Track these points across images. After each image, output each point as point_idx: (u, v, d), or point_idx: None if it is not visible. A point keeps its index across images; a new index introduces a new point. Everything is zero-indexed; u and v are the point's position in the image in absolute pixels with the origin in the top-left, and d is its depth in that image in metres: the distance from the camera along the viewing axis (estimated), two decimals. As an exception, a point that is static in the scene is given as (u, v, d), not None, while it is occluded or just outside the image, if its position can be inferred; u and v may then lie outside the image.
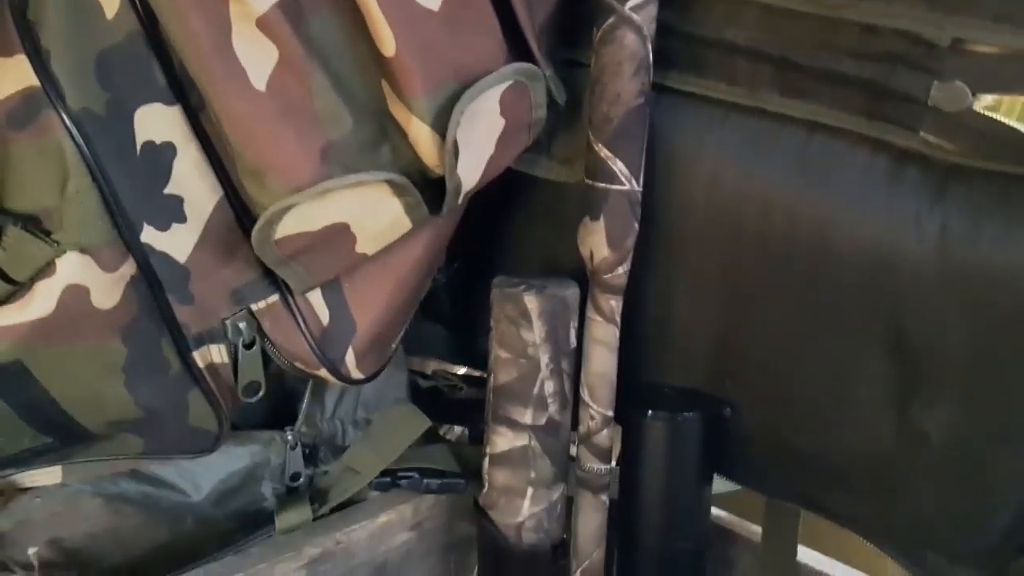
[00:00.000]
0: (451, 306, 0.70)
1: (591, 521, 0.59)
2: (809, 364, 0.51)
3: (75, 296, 0.42)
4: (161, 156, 0.43)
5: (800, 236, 0.49)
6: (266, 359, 0.52)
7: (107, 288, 0.43)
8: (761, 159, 0.48)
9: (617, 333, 0.55)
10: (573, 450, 0.59)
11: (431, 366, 0.74)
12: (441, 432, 0.71)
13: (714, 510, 0.67)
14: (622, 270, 0.55)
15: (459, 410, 0.66)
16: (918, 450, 0.49)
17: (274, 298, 0.48)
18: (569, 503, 0.60)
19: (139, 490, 0.56)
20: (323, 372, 0.51)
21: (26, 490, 0.54)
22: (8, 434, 0.45)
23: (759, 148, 0.48)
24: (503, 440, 0.57)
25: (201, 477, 0.57)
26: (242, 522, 0.58)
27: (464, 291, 0.67)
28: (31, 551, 0.52)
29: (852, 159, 0.46)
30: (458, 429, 0.72)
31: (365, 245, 0.47)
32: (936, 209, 0.44)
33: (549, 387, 0.57)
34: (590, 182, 0.51)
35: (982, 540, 0.50)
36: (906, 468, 0.50)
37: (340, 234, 0.45)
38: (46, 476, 0.53)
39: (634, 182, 0.51)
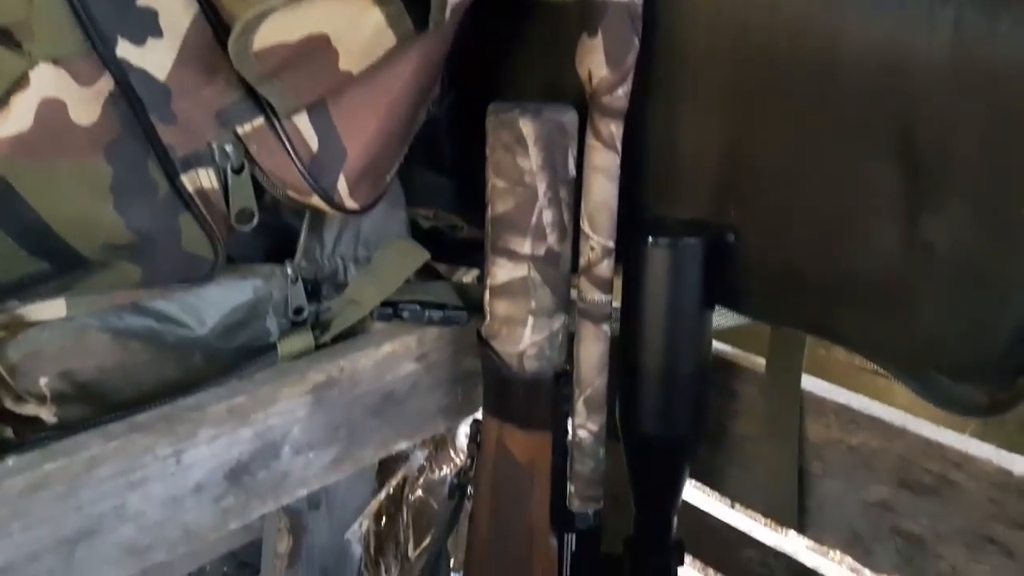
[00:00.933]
0: (453, 151, 0.69)
1: (593, 350, 0.59)
2: (816, 178, 0.50)
3: (52, 110, 0.41)
4: (131, -34, 0.41)
5: (808, 42, 0.47)
6: (259, 189, 0.51)
7: (85, 103, 0.42)
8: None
9: (618, 160, 0.54)
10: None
11: (434, 212, 0.73)
12: (452, 278, 0.71)
13: (718, 344, 0.67)
14: (622, 92, 0.53)
15: (461, 250, 0.66)
16: (926, 262, 0.48)
17: (259, 121, 0.47)
18: (572, 335, 0.60)
19: (144, 324, 0.57)
20: (316, 200, 0.51)
21: (33, 324, 0.54)
22: (4, 259, 0.45)
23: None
24: (502, 271, 0.57)
25: (204, 312, 0.57)
26: (248, 358, 0.59)
27: (464, 130, 0.66)
28: (42, 381, 0.54)
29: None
30: (470, 274, 0.72)
31: (349, 61, 0.45)
32: (950, 3, 0.42)
33: (547, 216, 0.56)
34: (587, -6, 0.49)
35: (988, 356, 0.50)
36: (913, 282, 0.49)
37: (321, 48, 0.44)
38: (50, 309, 0.54)
39: (633, -9, 0.48)
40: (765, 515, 0.68)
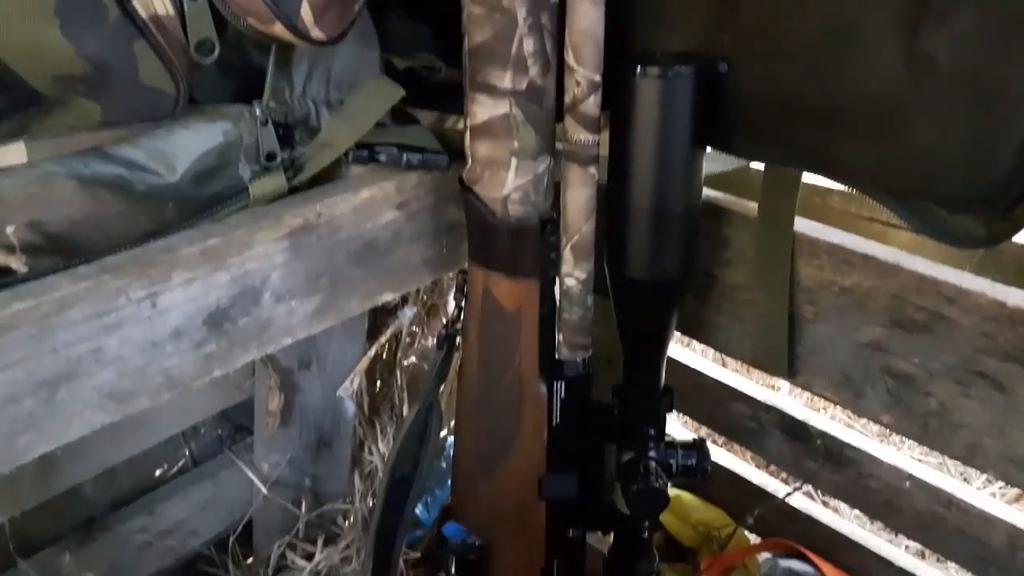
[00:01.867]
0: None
1: (579, 195, 0.57)
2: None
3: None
4: None
5: None
6: (220, 22, 0.48)
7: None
8: None
9: (603, -19, 0.51)
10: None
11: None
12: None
13: (709, 191, 0.65)
14: (607, -98, 0.49)
15: (439, 93, 0.63)
16: (926, 79, 0.45)
17: (212, -64, 0.43)
18: (559, 184, 0.58)
19: (113, 172, 0.54)
20: (279, 28, 0.48)
21: (-6, 171, 0.52)
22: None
23: None
24: (483, 109, 0.54)
25: (174, 158, 0.55)
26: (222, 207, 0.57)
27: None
28: (9, 230, 0.52)
29: None
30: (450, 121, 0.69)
31: None
32: None
33: (528, 46, 0.52)
34: None
35: (988, 183, 0.48)
36: (912, 103, 0.46)
37: None
38: (10, 154, 0.51)
39: None
40: (754, 364, 0.68)
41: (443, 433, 1.13)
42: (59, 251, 0.55)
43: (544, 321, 0.62)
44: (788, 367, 0.65)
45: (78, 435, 0.49)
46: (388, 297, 0.63)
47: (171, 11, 0.45)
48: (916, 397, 0.59)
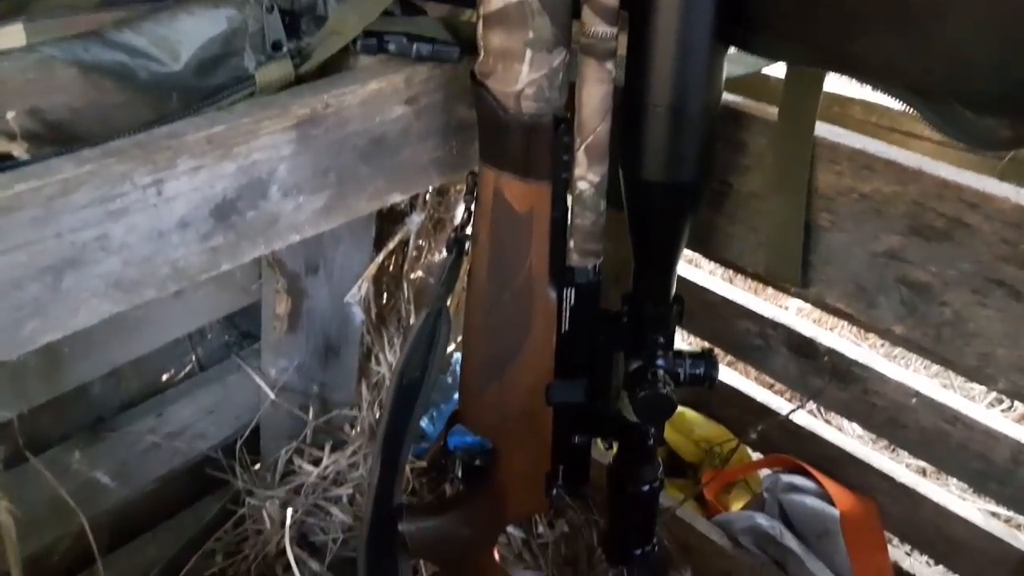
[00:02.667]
0: None
1: (595, 92, 0.55)
2: None
3: None
4: None
5: None
6: None
7: None
8: None
9: None
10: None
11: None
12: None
13: (729, 95, 0.63)
14: None
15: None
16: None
17: None
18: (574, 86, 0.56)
19: (114, 58, 0.53)
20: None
21: (-8, 54, 0.50)
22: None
23: None
24: (497, -6, 0.52)
25: (177, 45, 0.53)
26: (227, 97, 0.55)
27: None
28: (9, 115, 0.50)
29: None
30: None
31: None
32: None
33: (546, -73, 0.50)
34: None
35: (1018, 80, 0.46)
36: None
37: None
38: (8, 36, 0.50)
39: None
40: (767, 274, 0.67)
41: (450, 349, 1.13)
42: (60, 140, 0.54)
43: (556, 225, 0.61)
44: (801, 277, 0.64)
45: (85, 324, 0.49)
46: (397, 198, 0.62)
47: None
48: (931, 307, 0.59)
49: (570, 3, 0.54)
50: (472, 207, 0.63)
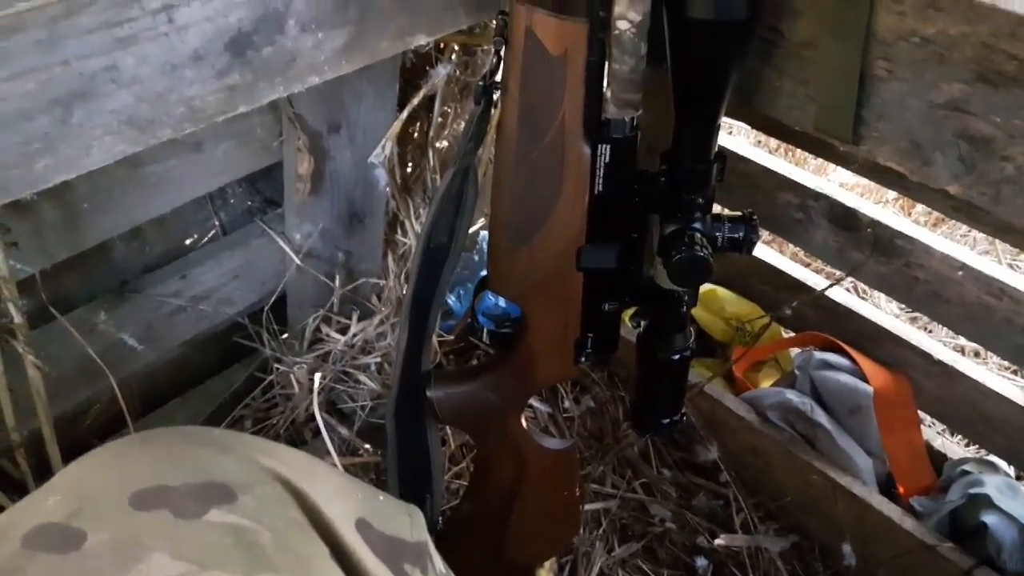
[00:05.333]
0: None
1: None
2: None
3: None
4: None
5: None
6: None
7: None
8: None
9: None
10: None
11: None
12: None
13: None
14: None
15: None
16: None
17: None
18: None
19: None
20: None
21: None
22: None
23: None
24: None
25: None
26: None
27: None
28: None
29: None
30: None
31: None
32: None
33: None
34: None
35: None
36: None
37: None
38: None
39: None
40: (816, 129, 0.63)
41: (477, 226, 1.11)
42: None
43: (592, 71, 0.57)
44: (853, 133, 0.60)
45: (99, 163, 0.47)
46: (421, 40, 0.58)
47: None
48: (991, 162, 0.55)
49: None
50: (502, 51, 0.59)
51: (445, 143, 0.99)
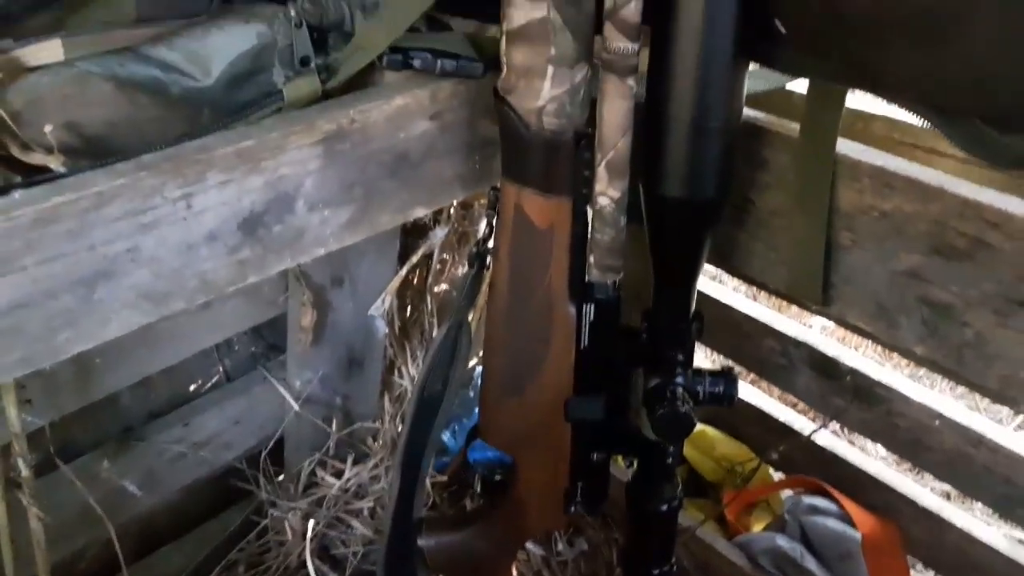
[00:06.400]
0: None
1: (616, 108, 0.56)
2: None
3: None
4: None
5: None
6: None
7: None
8: None
9: None
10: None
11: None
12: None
13: (750, 111, 0.64)
14: None
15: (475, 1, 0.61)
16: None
17: None
18: (595, 102, 0.57)
19: (148, 73, 0.54)
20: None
21: (31, 69, 0.52)
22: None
23: None
24: (520, 12, 0.53)
25: (209, 60, 0.54)
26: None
27: None
28: (47, 129, 0.52)
29: None
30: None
31: None
32: None
33: (569, -55, 0.51)
34: None
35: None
36: (963, 12, 0.44)
37: None
38: (47, 51, 0.51)
39: None
40: (788, 292, 0.67)
41: (472, 363, 1.14)
42: (96, 153, 0.55)
43: (576, 240, 0.61)
44: (823, 295, 0.64)
45: (116, 334, 0.50)
46: (420, 212, 0.63)
47: (207, -98, 0.44)
48: (952, 327, 0.58)
49: (592, 19, 0.55)
50: (494, 222, 0.63)
51: (443, 286, 1.03)
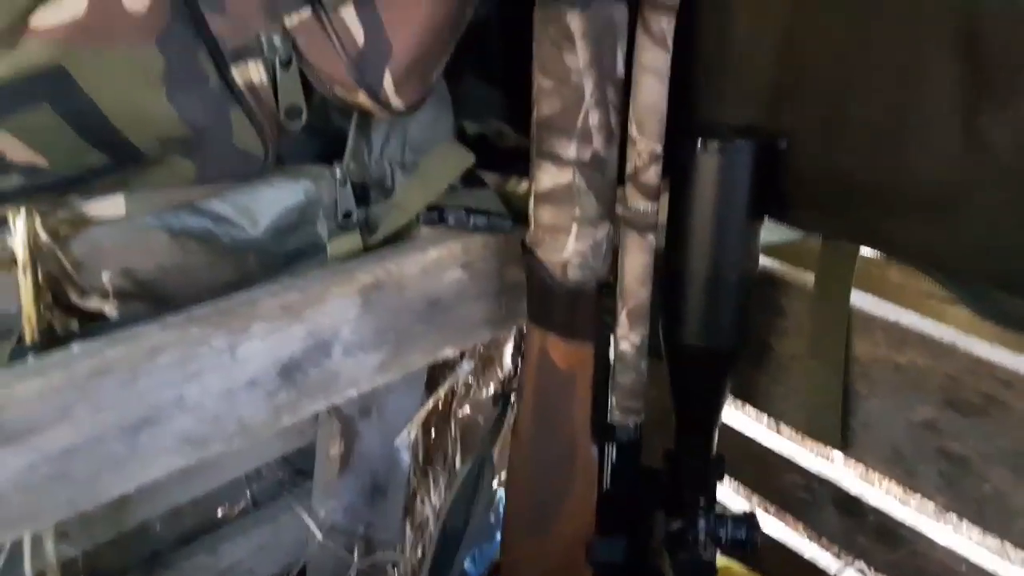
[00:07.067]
0: (503, 60, 0.68)
1: (637, 261, 0.59)
2: (874, 73, 0.48)
3: (104, -4, 0.42)
4: None
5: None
6: (307, 88, 0.52)
7: (135, -10, 0.42)
8: None
9: (668, 59, 0.53)
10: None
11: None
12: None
13: (766, 260, 0.67)
14: (675, -15, 0.51)
15: (507, 158, 0.66)
16: (984, 165, 0.46)
17: (307, 12, 0.47)
18: (616, 250, 0.60)
19: (200, 224, 0.58)
20: (362, 97, 0.51)
21: (94, 222, 0.56)
22: (65, 149, 0.47)
23: None
24: (547, 176, 0.57)
25: (258, 213, 0.58)
26: (300, 261, 0.60)
27: (514, 35, 0.65)
28: (105, 276, 0.56)
29: None
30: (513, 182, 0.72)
31: (393, -47, 0.45)
32: None
33: (594, 118, 0.55)
34: None
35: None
36: (970, 187, 0.47)
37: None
38: (110, 206, 0.56)
39: None
40: (808, 435, 0.68)
41: (495, 485, 1.14)
42: (147, 297, 0.59)
43: (598, 383, 0.63)
44: (842, 439, 0.65)
45: (155, 476, 0.52)
46: (449, 352, 0.65)
47: (264, 79, 0.49)
48: (970, 480, 0.59)
49: (615, 183, 0.58)
50: (518, 363, 0.66)
51: (467, 410, 1.05)
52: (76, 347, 0.48)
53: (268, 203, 0.58)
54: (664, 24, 0.51)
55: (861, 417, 0.64)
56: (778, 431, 1.13)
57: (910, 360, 0.59)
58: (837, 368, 0.63)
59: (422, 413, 0.85)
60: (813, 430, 0.68)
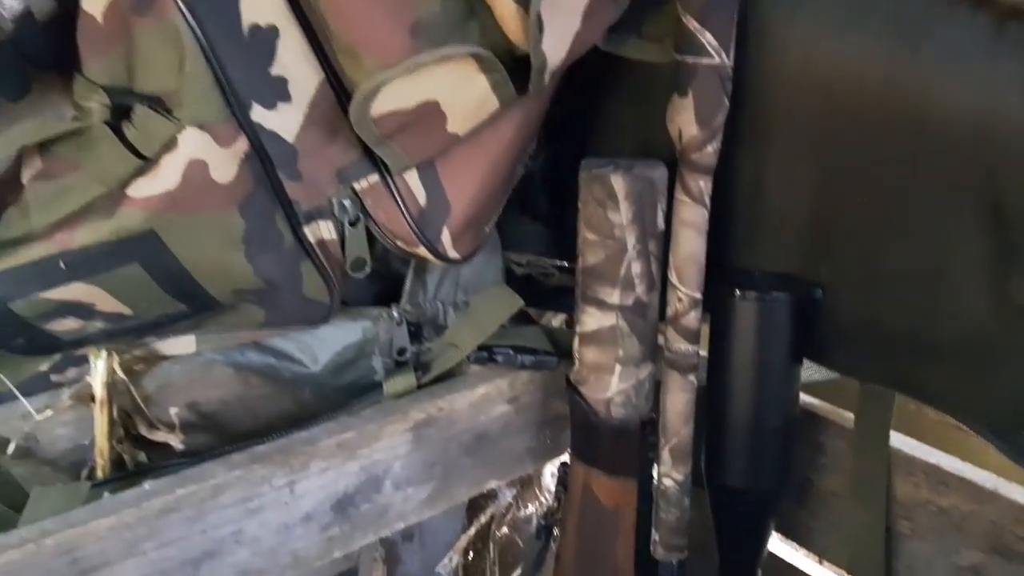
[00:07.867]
0: (547, 200, 0.72)
1: (679, 400, 0.61)
2: (904, 237, 0.51)
3: (197, 170, 0.46)
4: (266, 37, 0.46)
5: (897, 105, 0.48)
6: (371, 239, 0.56)
7: (224, 163, 0.47)
8: (855, 24, 0.47)
9: (706, 215, 0.56)
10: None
11: (527, 259, 0.77)
12: (541, 320, 0.74)
13: (806, 397, 0.68)
14: (711, 149, 0.55)
15: (552, 296, 0.69)
16: (1015, 325, 0.48)
17: (375, 178, 0.51)
18: (659, 385, 0.62)
19: (263, 361, 0.62)
20: (422, 250, 0.55)
21: (166, 358, 0.60)
22: (149, 300, 0.51)
23: (853, 12, 0.47)
24: (592, 319, 0.60)
25: (318, 350, 0.62)
26: (355, 394, 0.63)
27: (558, 182, 0.69)
28: (173, 411, 0.59)
29: (952, 17, 0.44)
30: (559, 317, 0.75)
31: (456, 124, 0.49)
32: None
33: (636, 268, 0.58)
34: (679, 57, 0.52)
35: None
36: (1002, 344, 0.49)
37: (431, 113, 0.48)
38: (182, 345, 0.59)
39: (724, 55, 0.51)
40: (851, 574, 0.68)
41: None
42: (210, 428, 0.62)
43: (641, 519, 0.64)
44: (885, 579, 0.65)
45: (211, 606, 0.54)
46: (492, 484, 0.67)
47: (334, 236, 0.53)
48: (1026, 629, 0.58)
49: (656, 324, 0.61)
50: (562, 497, 0.67)
51: (505, 530, 1.05)
52: (147, 485, 0.50)
53: (329, 341, 0.62)
54: (702, 184, 0.55)
55: (904, 559, 0.64)
56: (820, 563, 1.11)
57: (953, 504, 0.60)
58: (879, 508, 0.63)
59: (463, 541, 0.86)
60: (856, 570, 0.67)
